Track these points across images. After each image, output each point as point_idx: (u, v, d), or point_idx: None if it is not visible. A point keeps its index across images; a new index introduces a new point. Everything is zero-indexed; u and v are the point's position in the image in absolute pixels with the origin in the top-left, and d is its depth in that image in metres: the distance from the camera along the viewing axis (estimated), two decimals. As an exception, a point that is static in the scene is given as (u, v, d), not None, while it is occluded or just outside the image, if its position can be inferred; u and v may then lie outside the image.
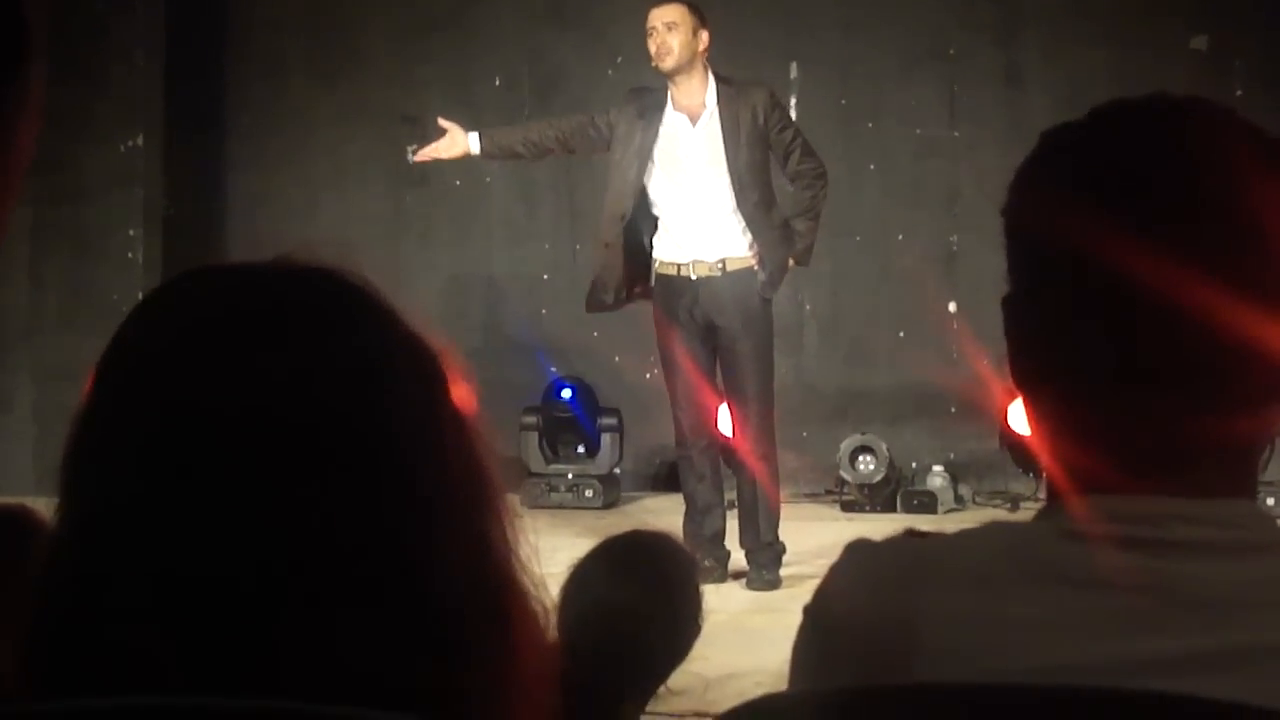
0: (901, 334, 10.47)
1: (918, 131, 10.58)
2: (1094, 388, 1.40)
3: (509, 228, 10.93)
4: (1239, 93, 10.03)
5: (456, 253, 10.92)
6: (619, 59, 10.41)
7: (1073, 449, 1.42)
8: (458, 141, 7.94)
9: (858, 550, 1.53)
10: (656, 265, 7.70)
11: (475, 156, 8.06)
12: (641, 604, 2.82)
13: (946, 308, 10.25)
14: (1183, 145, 1.40)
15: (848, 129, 10.55)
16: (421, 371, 1.35)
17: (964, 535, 1.50)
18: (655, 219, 7.68)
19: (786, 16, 10.52)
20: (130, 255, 10.38)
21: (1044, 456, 1.44)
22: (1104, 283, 1.37)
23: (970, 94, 10.55)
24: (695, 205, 7.58)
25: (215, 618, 1.25)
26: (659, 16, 7.59)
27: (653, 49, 7.58)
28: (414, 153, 8.06)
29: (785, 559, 7.68)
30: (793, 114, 10.19)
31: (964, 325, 9.83)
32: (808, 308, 10.59)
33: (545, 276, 10.88)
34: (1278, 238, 1.37)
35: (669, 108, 7.65)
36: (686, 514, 7.72)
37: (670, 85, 7.64)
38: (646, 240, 7.71)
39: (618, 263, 7.70)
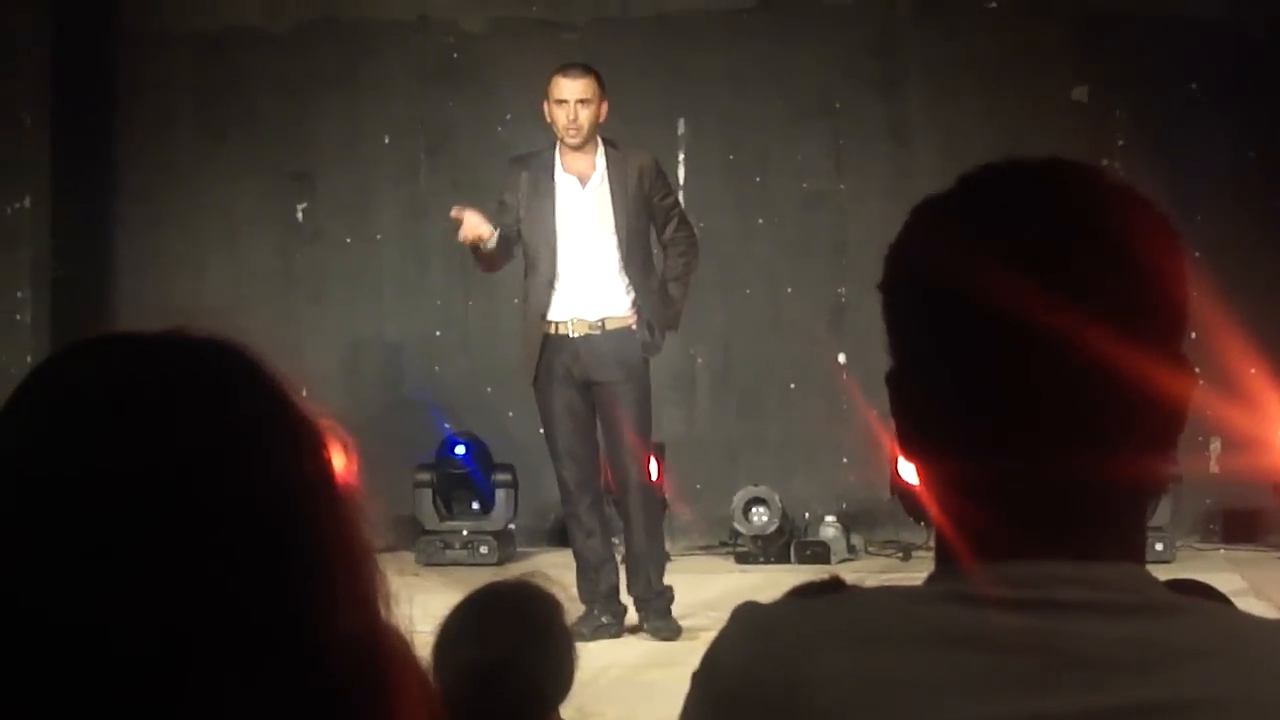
0: (792, 385, 10.53)
1: (804, 185, 10.66)
2: (990, 449, 1.41)
3: (401, 285, 10.91)
4: (1120, 143, 10.17)
5: (348, 310, 10.89)
6: (508, 116, 10.42)
7: (966, 511, 1.43)
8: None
9: (745, 614, 1.52)
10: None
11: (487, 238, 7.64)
12: (511, 651, 2.85)
13: (836, 358, 10.32)
14: (1061, 201, 1.42)
15: (735, 183, 10.63)
16: (301, 443, 1.37)
17: (853, 596, 1.52)
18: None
19: (673, 73, 10.58)
20: (18, 318, 10.29)
21: (937, 520, 1.45)
22: (994, 343, 1.39)
23: (856, 147, 10.64)
24: (582, 265, 7.64)
25: (108, 687, 1.26)
26: (574, 91, 7.58)
27: (561, 121, 7.58)
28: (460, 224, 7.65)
29: (682, 612, 7.70)
30: (680, 170, 10.30)
31: (853, 376, 9.90)
32: (699, 360, 10.63)
33: (438, 333, 10.87)
34: (1161, 286, 1.41)
35: (558, 170, 7.69)
36: (579, 571, 7.73)
37: (560, 148, 7.67)
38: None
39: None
